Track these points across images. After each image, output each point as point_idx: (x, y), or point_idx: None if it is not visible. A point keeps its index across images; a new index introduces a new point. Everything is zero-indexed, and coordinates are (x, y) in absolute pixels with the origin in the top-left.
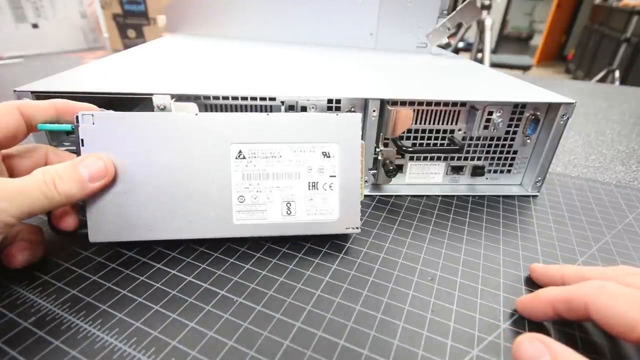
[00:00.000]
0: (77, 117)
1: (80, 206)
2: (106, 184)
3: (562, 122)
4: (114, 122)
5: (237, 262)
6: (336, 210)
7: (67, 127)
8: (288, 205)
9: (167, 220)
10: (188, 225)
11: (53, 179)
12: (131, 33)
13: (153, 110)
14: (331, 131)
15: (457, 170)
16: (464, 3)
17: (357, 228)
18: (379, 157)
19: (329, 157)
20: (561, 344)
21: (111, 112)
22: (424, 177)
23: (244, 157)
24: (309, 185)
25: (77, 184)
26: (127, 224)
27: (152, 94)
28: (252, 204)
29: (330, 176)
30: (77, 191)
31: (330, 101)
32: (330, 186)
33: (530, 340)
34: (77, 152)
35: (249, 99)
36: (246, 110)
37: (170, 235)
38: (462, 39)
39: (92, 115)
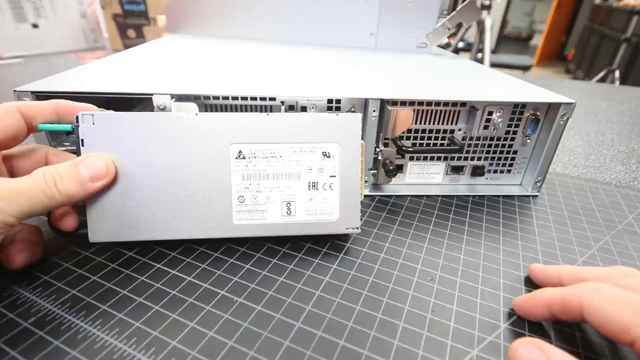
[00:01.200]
0: (77, 117)
1: (80, 206)
2: (106, 184)
3: (562, 122)
4: (114, 122)
5: (237, 262)
6: (336, 211)
7: (67, 127)
8: (288, 205)
9: (167, 220)
10: (188, 225)
11: (54, 178)
12: (131, 33)
13: (153, 110)
14: (331, 131)
15: (457, 170)
16: (464, 3)
17: (357, 228)
18: (379, 157)
19: (329, 157)
20: (558, 348)
21: (111, 112)
22: (424, 177)
23: (244, 157)
24: (309, 185)
25: (78, 184)
26: (127, 224)
27: (152, 94)
28: (252, 204)
29: (330, 176)
30: (77, 191)
31: (330, 101)
32: (330, 186)
33: (526, 345)
34: (77, 152)
35: (249, 99)
36: (246, 110)
37: (170, 236)
38: (462, 39)
39: (92, 115)
